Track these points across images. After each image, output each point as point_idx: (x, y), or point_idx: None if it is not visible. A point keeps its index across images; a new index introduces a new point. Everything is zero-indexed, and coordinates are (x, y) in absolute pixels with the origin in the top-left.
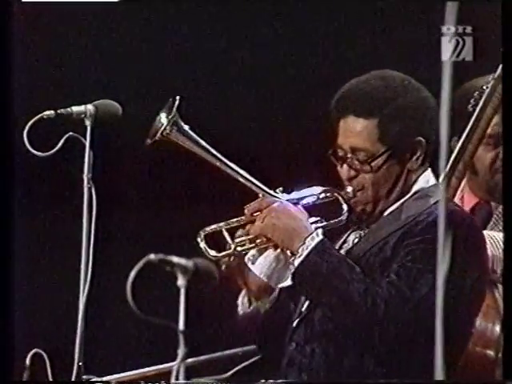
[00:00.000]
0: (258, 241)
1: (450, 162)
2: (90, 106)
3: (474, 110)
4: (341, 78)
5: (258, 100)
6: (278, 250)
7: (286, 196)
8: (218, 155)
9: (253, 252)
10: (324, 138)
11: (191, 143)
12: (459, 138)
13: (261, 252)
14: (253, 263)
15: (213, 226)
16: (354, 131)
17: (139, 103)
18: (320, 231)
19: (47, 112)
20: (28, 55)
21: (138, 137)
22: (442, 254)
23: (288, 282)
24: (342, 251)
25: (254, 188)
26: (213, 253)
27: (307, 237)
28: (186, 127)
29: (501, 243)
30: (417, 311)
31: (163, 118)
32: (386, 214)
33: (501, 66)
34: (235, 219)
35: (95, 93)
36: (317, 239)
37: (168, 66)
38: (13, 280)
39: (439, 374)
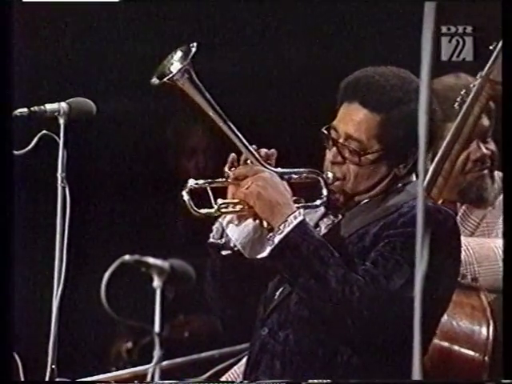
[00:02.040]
0: (239, 207)
1: (436, 160)
2: (63, 104)
3: (461, 109)
4: (340, 76)
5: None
6: (257, 221)
7: (273, 168)
8: (221, 112)
9: (234, 217)
10: (317, 124)
11: (198, 94)
12: (444, 136)
13: (240, 219)
14: (234, 231)
15: (198, 182)
16: (355, 119)
17: (142, 103)
18: (302, 211)
19: (20, 109)
20: (28, 55)
21: (112, 136)
22: (420, 250)
23: (263, 255)
24: None
25: (247, 154)
26: (196, 209)
27: (290, 214)
28: (197, 79)
29: (468, 248)
30: (391, 302)
31: (176, 62)
32: (362, 202)
33: (488, 65)
34: (220, 179)
35: (95, 92)
36: (299, 218)
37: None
38: None
39: (417, 374)
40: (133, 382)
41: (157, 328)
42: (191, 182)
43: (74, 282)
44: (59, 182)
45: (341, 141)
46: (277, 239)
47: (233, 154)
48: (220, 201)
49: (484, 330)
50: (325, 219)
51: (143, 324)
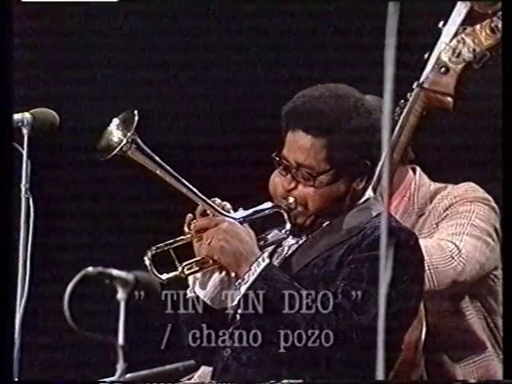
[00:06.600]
0: (204, 264)
1: (377, 172)
2: (27, 114)
3: (399, 118)
4: (338, 78)
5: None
6: (223, 273)
7: (234, 214)
8: (175, 174)
9: (199, 275)
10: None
11: (149, 161)
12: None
13: (206, 275)
14: (201, 288)
15: (159, 245)
16: (302, 147)
17: (146, 103)
18: (266, 255)
19: None
20: (28, 55)
21: (77, 146)
22: (383, 272)
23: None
24: (277, 256)
25: (204, 205)
26: (160, 275)
27: (254, 262)
28: (145, 146)
29: None
30: (364, 335)
31: (120, 133)
32: (325, 224)
33: (424, 75)
34: (182, 237)
35: (94, 92)
36: (263, 264)
37: (169, 68)
38: None
39: (380, 375)
40: None
41: (120, 341)
42: (153, 248)
43: (38, 295)
44: (23, 193)
45: (293, 169)
46: (243, 289)
47: (189, 215)
48: (184, 262)
49: (417, 331)
50: (288, 239)
51: (107, 337)
